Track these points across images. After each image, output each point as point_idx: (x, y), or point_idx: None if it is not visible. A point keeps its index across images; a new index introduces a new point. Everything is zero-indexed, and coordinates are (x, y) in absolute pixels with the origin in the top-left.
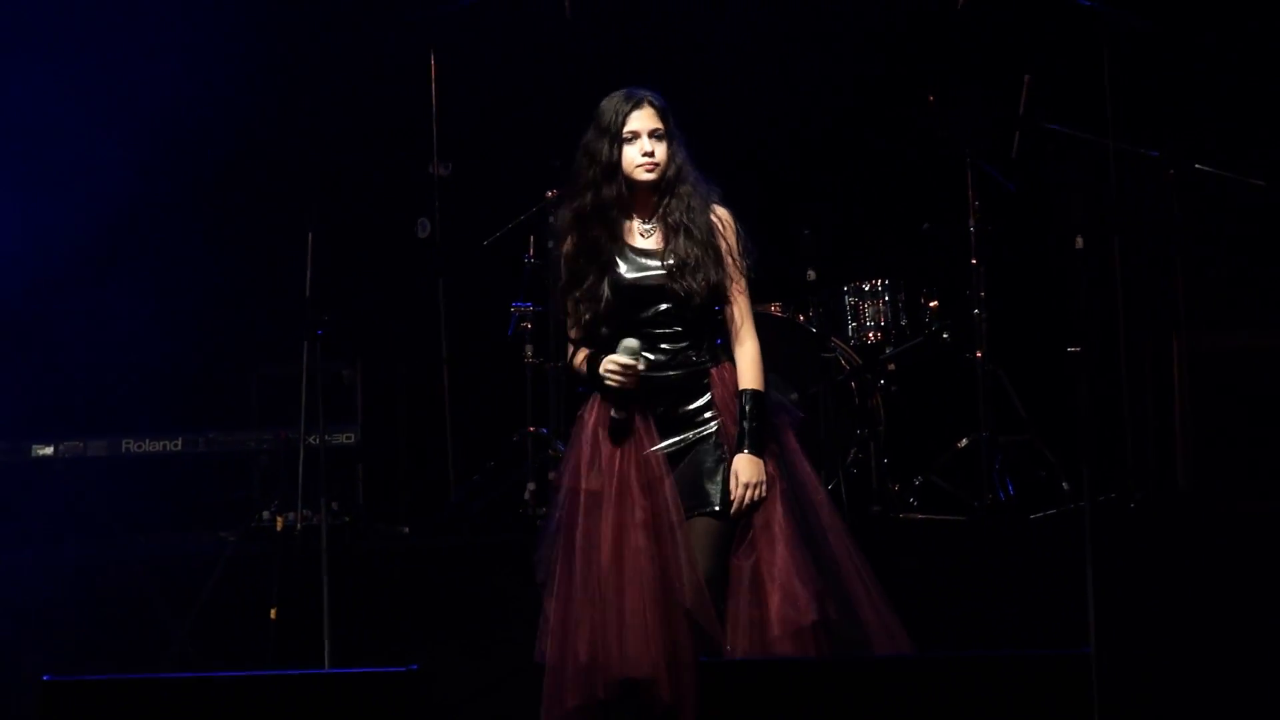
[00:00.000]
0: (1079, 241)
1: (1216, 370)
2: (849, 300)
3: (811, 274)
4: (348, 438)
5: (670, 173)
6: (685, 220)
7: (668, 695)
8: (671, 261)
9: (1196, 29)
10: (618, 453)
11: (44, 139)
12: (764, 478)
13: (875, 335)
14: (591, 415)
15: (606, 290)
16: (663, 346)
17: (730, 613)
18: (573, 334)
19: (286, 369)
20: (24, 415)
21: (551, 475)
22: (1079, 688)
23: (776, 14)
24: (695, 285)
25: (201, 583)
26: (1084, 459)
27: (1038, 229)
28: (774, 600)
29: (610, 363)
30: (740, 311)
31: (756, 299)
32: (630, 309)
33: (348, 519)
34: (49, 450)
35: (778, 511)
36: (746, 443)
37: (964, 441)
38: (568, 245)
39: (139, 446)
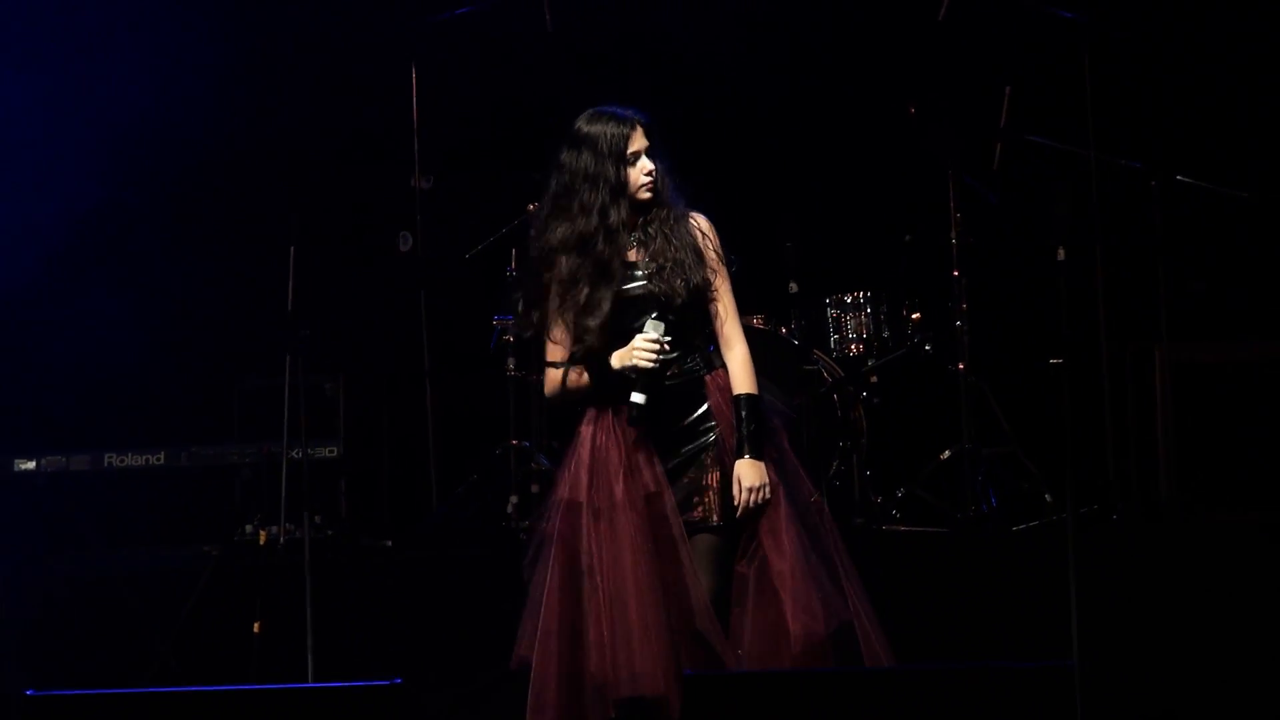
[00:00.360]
0: (1060, 253)
1: (1198, 382)
2: (831, 312)
3: (793, 286)
4: (330, 451)
5: (661, 190)
6: (664, 229)
7: (677, 714)
8: (652, 267)
9: (1178, 40)
10: (620, 467)
11: (22, 149)
12: (766, 481)
13: (857, 347)
14: (589, 428)
15: (607, 304)
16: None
17: (735, 619)
18: (558, 355)
19: (269, 382)
20: (6, 429)
21: (535, 488)
22: (1062, 700)
23: (757, 26)
24: (675, 285)
25: (184, 597)
26: (1066, 471)
27: (1019, 241)
28: (789, 610)
29: (641, 340)
30: (725, 313)
31: (739, 311)
32: (620, 319)
33: (330, 532)
34: (31, 465)
35: (782, 516)
36: (747, 447)
37: (946, 453)
38: (561, 268)
39: (121, 460)
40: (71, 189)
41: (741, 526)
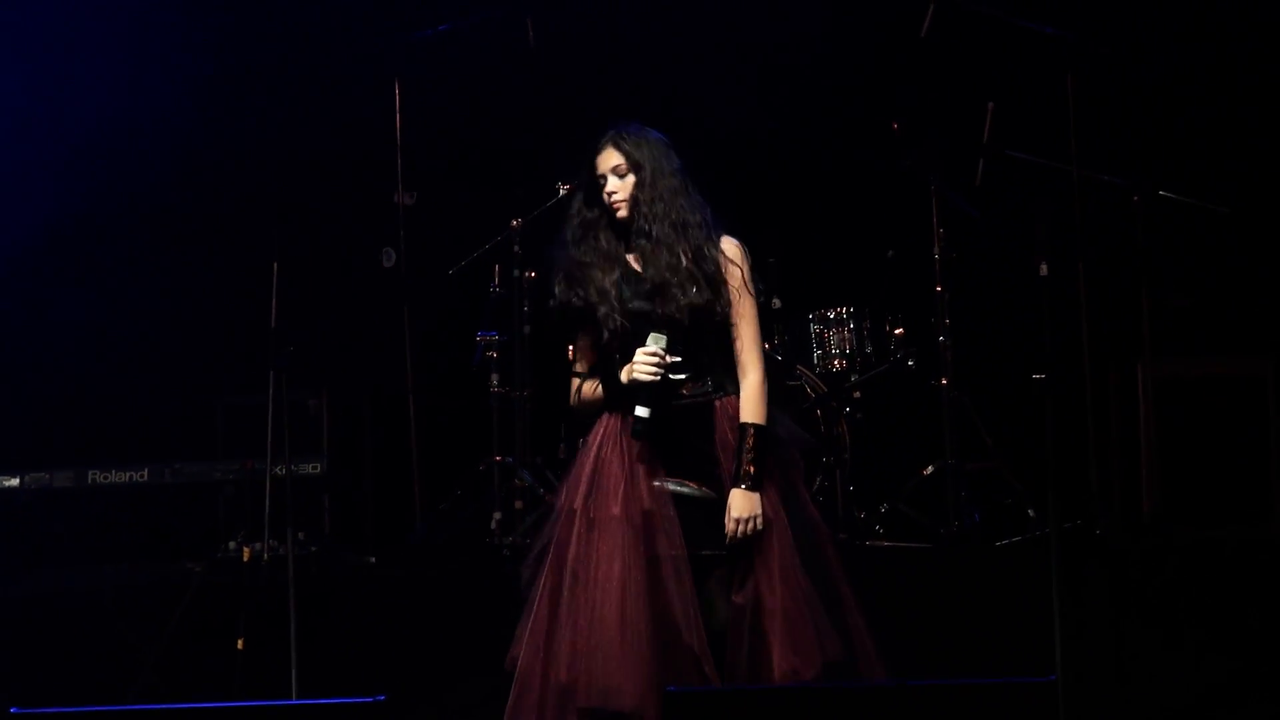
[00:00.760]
0: (1043, 268)
1: (1181, 397)
2: (814, 328)
3: (776, 302)
4: (314, 467)
5: (644, 200)
6: (662, 247)
7: None
8: (648, 287)
9: (1160, 56)
10: (620, 479)
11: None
12: (758, 513)
13: (840, 363)
14: (597, 437)
15: (617, 317)
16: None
17: (730, 654)
18: (579, 367)
19: (252, 399)
20: None
21: (518, 504)
22: (1045, 715)
23: (740, 41)
24: (670, 309)
25: (168, 613)
26: (1049, 486)
27: (1002, 256)
28: (775, 649)
29: (640, 353)
30: (743, 339)
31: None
32: (625, 335)
33: (314, 549)
34: (14, 481)
35: (776, 550)
36: (743, 478)
37: (929, 469)
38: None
39: (105, 477)
40: (51, 204)
41: (735, 556)
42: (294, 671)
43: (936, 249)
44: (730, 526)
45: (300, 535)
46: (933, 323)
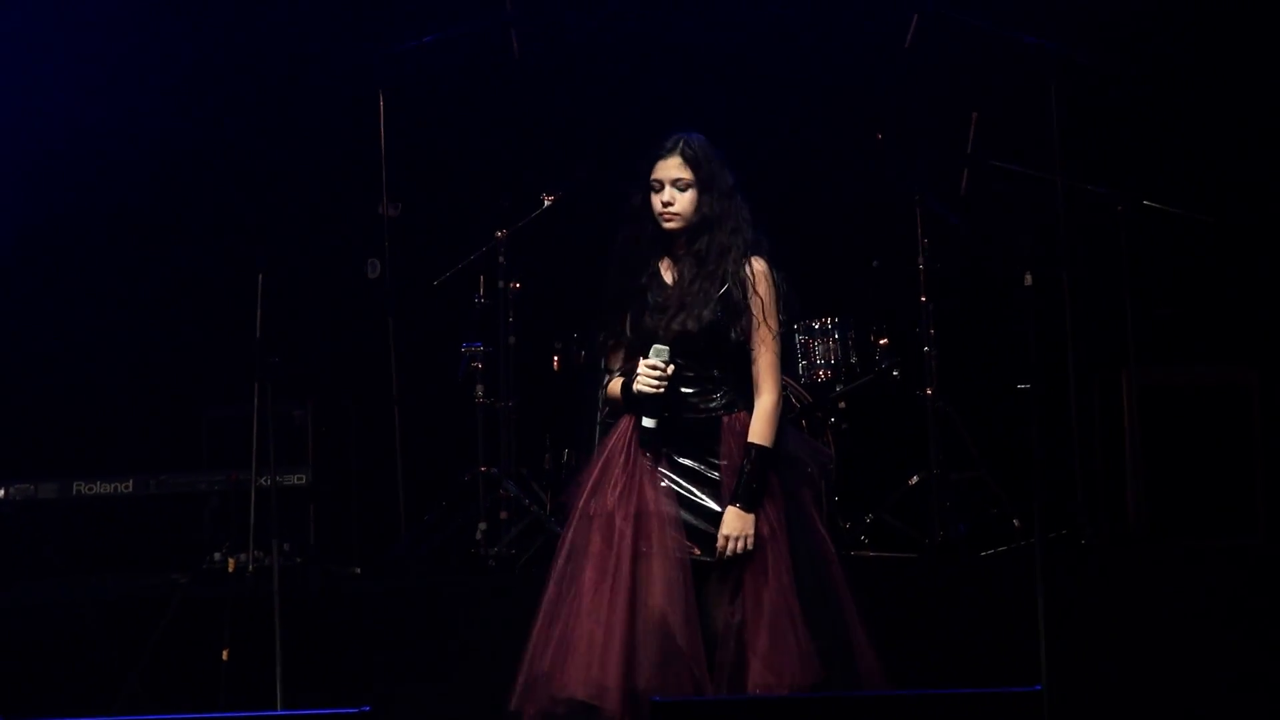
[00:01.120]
0: (1028, 278)
1: (1166, 406)
2: (799, 338)
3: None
4: (299, 478)
5: (696, 221)
6: (699, 261)
7: None
8: (670, 300)
9: (1143, 66)
10: (620, 480)
11: None
12: (749, 533)
13: (825, 373)
14: (611, 438)
15: (628, 328)
16: (679, 389)
17: (718, 661)
18: (610, 363)
19: (237, 410)
20: None
21: (504, 515)
22: None
23: (723, 53)
24: (679, 326)
25: (153, 625)
26: (1034, 495)
27: (986, 266)
28: (753, 667)
29: (642, 365)
30: (760, 359)
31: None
32: (638, 344)
33: (299, 560)
34: None
35: (769, 569)
36: (740, 496)
37: (914, 479)
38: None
39: (90, 488)
40: (35, 214)
41: (727, 571)
42: (279, 682)
43: (921, 259)
44: (720, 543)
45: (285, 546)
46: (917, 332)
